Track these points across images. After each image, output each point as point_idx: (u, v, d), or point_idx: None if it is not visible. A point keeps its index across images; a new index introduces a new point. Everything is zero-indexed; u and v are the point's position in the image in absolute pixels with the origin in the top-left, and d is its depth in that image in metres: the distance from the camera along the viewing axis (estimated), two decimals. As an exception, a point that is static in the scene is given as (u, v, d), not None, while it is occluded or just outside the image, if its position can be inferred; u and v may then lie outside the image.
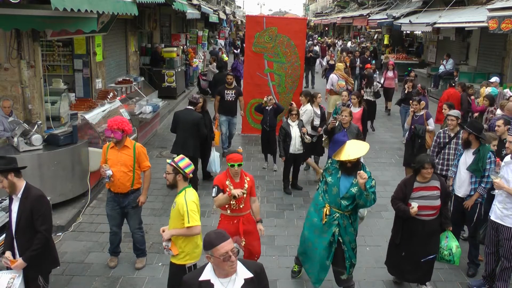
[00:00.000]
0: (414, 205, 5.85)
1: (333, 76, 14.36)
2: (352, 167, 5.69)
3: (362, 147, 5.90)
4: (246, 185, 5.94)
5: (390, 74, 17.12)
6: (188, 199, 5.06)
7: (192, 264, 5.25)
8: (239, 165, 5.84)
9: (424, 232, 6.00)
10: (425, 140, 9.69)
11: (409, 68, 18.08)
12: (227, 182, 5.87)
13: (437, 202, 5.96)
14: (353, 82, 16.75)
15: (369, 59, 21.69)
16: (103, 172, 6.43)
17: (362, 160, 7.64)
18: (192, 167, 5.32)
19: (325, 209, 5.85)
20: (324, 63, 23.13)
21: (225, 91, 11.60)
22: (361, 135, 8.97)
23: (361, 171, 5.49)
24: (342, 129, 8.79)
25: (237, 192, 5.63)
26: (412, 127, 9.83)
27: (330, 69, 20.23)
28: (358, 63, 20.62)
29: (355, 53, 21.96)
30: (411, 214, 5.84)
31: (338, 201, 5.76)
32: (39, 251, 5.01)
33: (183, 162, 5.28)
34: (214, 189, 5.83)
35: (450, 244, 6.11)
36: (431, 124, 9.81)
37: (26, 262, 4.98)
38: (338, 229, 5.80)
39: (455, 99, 12.65)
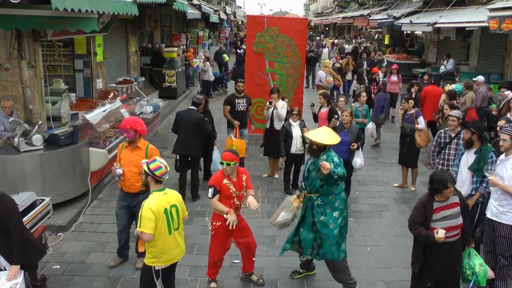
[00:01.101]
0: (441, 232, 5.16)
1: (321, 73, 16.42)
2: (316, 150, 6.01)
3: (328, 135, 6.08)
4: (244, 186, 6.04)
5: (394, 78, 16.07)
6: (146, 204, 4.99)
7: (160, 268, 5.18)
8: (234, 164, 5.89)
9: (450, 256, 5.42)
10: (414, 138, 9.78)
11: (422, 71, 16.81)
12: (225, 181, 5.91)
13: (460, 220, 5.40)
14: (340, 79, 17.26)
15: (375, 60, 20.49)
16: (113, 171, 6.46)
17: (360, 161, 7.78)
18: (163, 170, 5.19)
19: (295, 201, 6.36)
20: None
21: (236, 100, 10.54)
22: (361, 136, 9.01)
23: (323, 162, 5.63)
24: (342, 129, 8.79)
25: (232, 221, 5.78)
26: (400, 125, 10.03)
27: (337, 72, 18.63)
28: (365, 65, 19.29)
29: (362, 56, 20.40)
30: (437, 241, 5.19)
31: (305, 183, 6.16)
32: (21, 249, 5.03)
33: (154, 164, 5.23)
34: (210, 189, 5.88)
35: (473, 262, 5.53)
36: (420, 123, 9.80)
37: (18, 264, 5.03)
38: (305, 211, 6.18)
39: (434, 96, 12.88)
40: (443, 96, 12.28)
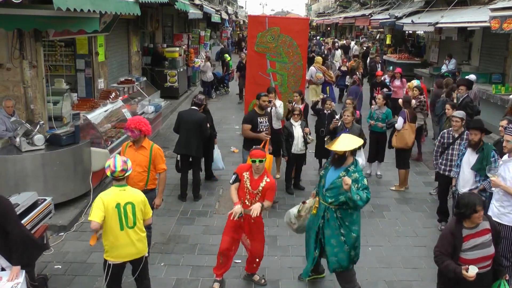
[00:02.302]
0: (472, 270, 4.56)
1: (312, 69, 16.66)
2: (338, 159, 5.76)
3: (351, 142, 5.81)
4: (260, 188, 6.03)
5: (397, 83, 14.95)
6: (99, 195, 5.21)
7: (112, 263, 5.24)
8: (260, 161, 5.99)
9: None
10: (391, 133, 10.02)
11: (445, 74, 15.43)
12: (245, 174, 6.10)
13: (492, 249, 4.85)
14: (331, 74, 17.50)
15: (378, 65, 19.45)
16: None
17: (361, 161, 7.54)
18: (110, 169, 5.18)
19: (316, 201, 6.03)
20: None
21: (258, 119, 8.88)
22: (363, 135, 9.01)
23: (345, 177, 5.50)
24: (344, 128, 8.82)
25: (235, 212, 5.86)
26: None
27: (342, 76, 18.70)
28: (379, 69, 18.21)
29: (376, 59, 19.80)
30: (467, 279, 4.59)
31: (324, 193, 5.82)
32: (21, 248, 5.05)
33: (107, 162, 5.29)
34: (233, 176, 6.15)
35: None
36: (398, 122, 9.84)
37: (18, 264, 5.04)
38: (322, 221, 5.86)
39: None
40: (411, 92, 12.46)
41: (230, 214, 5.97)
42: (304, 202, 6.41)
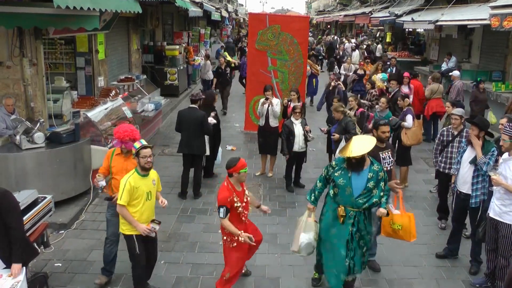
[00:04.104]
0: None
1: None
2: (357, 164, 5.57)
3: (366, 143, 5.63)
4: (246, 194, 5.96)
5: (405, 89, 12.93)
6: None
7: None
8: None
9: None
10: (399, 133, 9.91)
11: (478, 79, 14.03)
12: (235, 199, 5.69)
13: None
14: (317, 68, 17.58)
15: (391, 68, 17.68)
16: (96, 183, 6.20)
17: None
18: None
19: (339, 210, 5.67)
20: (342, 70, 19.02)
21: (381, 154, 6.77)
22: (350, 129, 9.05)
23: (381, 209, 5.67)
24: (335, 122, 9.29)
25: (248, 239, 5.65)
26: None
27: (358, 80, 16.54)
28: (394, 71, 16.60)
29: (392, 61, 18.09)
30: None
31: (353, 200, 5.58)
32: (22, 247, 5.06)
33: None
34: (221, 209, 5.59)
35: None
36: (407, 121, 9.82)
37: (19, 262, 5.04)
38: (353, 228, 5.66)
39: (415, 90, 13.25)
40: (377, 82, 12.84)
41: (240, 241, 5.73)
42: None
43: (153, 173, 5.88)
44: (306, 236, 5.92)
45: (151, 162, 5.64)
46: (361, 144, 5.59)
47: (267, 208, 6.36)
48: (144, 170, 5.66)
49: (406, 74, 13.84)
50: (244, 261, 6.14)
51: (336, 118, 9.34)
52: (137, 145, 5.66)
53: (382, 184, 5.61)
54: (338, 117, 9.25)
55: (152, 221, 5.71)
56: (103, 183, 6.18)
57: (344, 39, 34.18)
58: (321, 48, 31.45)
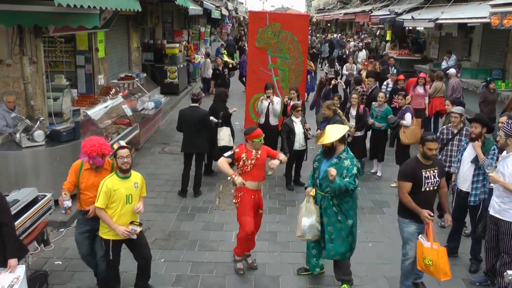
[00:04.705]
0: None
1: None
2: (329, 151, 5.99)
3: (336, 132, 5.98)
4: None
5: (420, 90, 12.53)
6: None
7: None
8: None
9: None
10: (397, 131, 9.92)
11: (488, 79, 13.73)
12: (243, 155, 6.44)
13: None
14: (312, 64, 17.49)
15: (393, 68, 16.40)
16: (60, 202, 5.69)
17: None
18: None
19: (308, 190, 6.23)
20: (345, 71, 18.45)
21: (424, 173, 5.84)
22: (345, 123, 9.30)
23: (331, 168, 5.74)
24: (325, 119, 9.44)
25: (238, 182, 6.28)
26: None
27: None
28: (392, 72, 15.58)
29: (390, 61, 17.26)
30: None
31: (318, 183, 6.07)
32: (15, 242, 5.09)
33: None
34: (230, 152, 6.52)
35: None
36: (406, 119, 9.80)
37: (15, 256, 5.05)
38: (322, 211, 6.10)
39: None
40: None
41: (243, 197, 6.40)
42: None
43: (136, 176, 5.67)
44: (307, 219, 6.11)
45: (128, 163, 5.43)
46: (331, 133, 5.96)
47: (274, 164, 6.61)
48: (123, 172, 5.47)
49: (422, 75, 13.23)
50: (252, 219, 6.41)
51: (326, 115, 9.44)
52: (115, 146, 5.51)
53: (344, 171, 5.83)
54: (328, 115, 9.34)
55: (131, 222, 5.48)
56: (68, 203, 5.67)
57: (349, 39, 34.21)
58: (319, 46, 31.07)
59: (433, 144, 5.72)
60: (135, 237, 5.54)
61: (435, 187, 5.90)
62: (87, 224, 5.78)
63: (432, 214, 5.76)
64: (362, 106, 10.28)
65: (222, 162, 6.37)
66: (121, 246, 5.73)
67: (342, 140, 5.97)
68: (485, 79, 14.67)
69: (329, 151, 5.98)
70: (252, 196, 6.45)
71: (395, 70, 15.52)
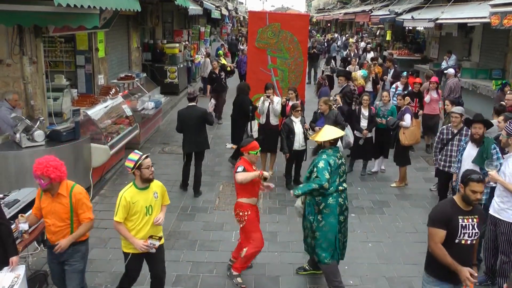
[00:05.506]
0: None
1: None
2: (317, 147, 6.38)
3: (328, 134, 6.18)
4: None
5: (434, 95, 12.06)
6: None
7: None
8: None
9: None
10: (396, 132, 9.93)
11: (503, 81, 13.28)
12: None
13: None
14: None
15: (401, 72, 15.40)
16: (16, 224, 5.24)
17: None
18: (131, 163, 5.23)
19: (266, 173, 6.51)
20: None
21: (460, 220, 4.69)
22: (340, 120, 9.41)
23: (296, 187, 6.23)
24: (321, 116, 9.58)
25: (269, 174, 6.49)
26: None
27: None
28: (389, 76, 15.64)
29: (387, 64, 16.81)
30: None
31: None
32: (14, 240, 5.10)
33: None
34: (240, 167, 6.17)
35: None
36: (406, 120, 9.82)
37: (16, 254, 5.05)
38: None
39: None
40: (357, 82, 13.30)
41: (251, 216, 6.31)
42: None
43: (155, 185, 5.45)
44: (298, 200, 6.58)
45: (153, 172, 5.28)
46: (324, 133, 6.21)
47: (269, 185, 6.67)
48: (146, 182, 5.28)
49: (434, 79, 12.68)
50: (262, 238, 6.42)
51: (322, 110, 9.57)
52: (135, 156, 5.22)
53: (312, 167, 6.07)
54: (325, 110, 9.49)
55: (151, 237, 5.30)
56: (24, 226, 5.18)
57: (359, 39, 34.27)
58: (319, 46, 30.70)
59: (479, 186, 4.45)
60: (154, 251, 5.36)
61: (473, 241, 4.60)
62: (52, 254, 5.23)
63: (475, 275, 4.50)
64: (372, 107, 10.36)
65: (242, 174, 6.09)
66: (142, 260, 5.60)
67: (333, 142, 6.19)
68: (500, 82, 14.06)
69: (318, 148, 6.34)
70: (256, 211, 6.46)
71: (405, 72, 14.74)
